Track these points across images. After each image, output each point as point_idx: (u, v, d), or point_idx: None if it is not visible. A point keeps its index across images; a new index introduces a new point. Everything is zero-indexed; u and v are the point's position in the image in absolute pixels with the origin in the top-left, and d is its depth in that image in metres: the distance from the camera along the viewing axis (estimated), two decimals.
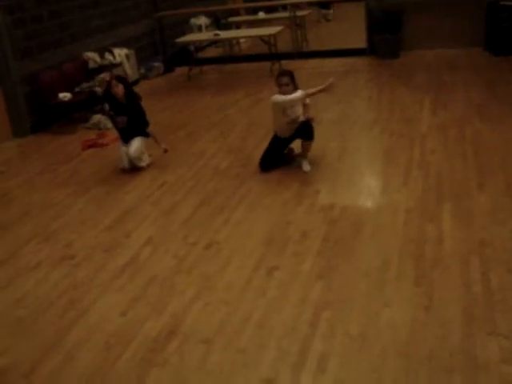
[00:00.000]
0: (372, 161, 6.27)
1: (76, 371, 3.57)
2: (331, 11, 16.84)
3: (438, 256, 4.25)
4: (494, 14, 10.06)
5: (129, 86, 6.69)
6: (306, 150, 6.21)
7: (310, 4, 15.58)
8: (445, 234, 4.53)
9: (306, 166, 6.12)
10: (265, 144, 6.54)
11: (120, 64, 10.55)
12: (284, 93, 6.11)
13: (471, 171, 5.58)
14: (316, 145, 6.38)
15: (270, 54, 11.18)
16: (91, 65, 9.96)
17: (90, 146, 7.87)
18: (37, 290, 4.51)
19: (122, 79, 6.70)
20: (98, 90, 9.31)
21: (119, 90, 6.47)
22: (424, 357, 3.30)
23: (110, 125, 8.50)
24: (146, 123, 6.74)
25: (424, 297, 3.81)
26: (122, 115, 6.45)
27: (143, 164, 6.68)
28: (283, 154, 6.38)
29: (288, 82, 6.15)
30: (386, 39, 10.71)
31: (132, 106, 6.55)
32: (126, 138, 6.62)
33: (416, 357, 3.31)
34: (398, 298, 3.85)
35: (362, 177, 5.86)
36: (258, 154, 6.55)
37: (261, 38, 11.68)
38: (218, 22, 13.98)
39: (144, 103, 8.80)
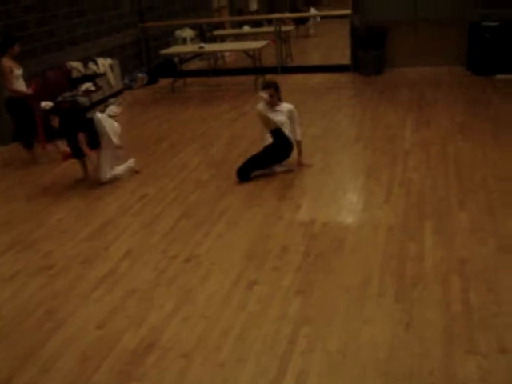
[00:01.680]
0: (354, 177, 6.28)
1: (52, 383, 3.51)
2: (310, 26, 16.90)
3: (419, 274, 4.25)
4: (476, 34, 10.17)
5: (68, 115, 6.71)
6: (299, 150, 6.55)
7: (293, 20, 15.71)
8: (426, 252, 4.53)
9: (280, 168, 6.42)
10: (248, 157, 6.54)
11: (104, 74, 10.52)
12: (269, 104, 6.28)
13: (453, 189, 5.60)
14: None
15: (254, 68, 11.20)
16: (75, 74, 9.93)
17: (70, 156, 7.79)
18: (13, 300, 4.44)
19: (58, 111, 6.74)
20: (81, 99, 9.27)
21: (55, 122, 6.52)
22: (403, 374, 3.28)
23: None
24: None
25: (404, 314, 3.81)
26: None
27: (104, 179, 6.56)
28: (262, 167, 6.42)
29: (272, 93, 6.29)
30: (369, 56, 10.79)
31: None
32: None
33: (395, 374, 3.29)
34: (378, 314, 3.84)
35: (343, 192, 5.87)
36: None
37: (245, 51, 11.72)
38: (203, 35, 14.01)
39: (127, 114, 8.77)
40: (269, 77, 10.99)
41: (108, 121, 6.58)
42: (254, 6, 17.13)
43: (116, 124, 6.67)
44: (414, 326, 3.69)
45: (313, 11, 16.72)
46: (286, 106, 6.50)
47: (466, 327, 3.63)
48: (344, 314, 3.87)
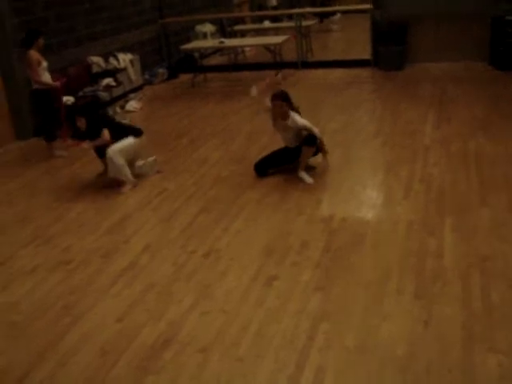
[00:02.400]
0: (374, 172, 6.24)
1: (70, 377, 3.54)
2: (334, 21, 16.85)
3: (439, 270, 4.21)
4: (499, 28, 10.07)
5: (93, 114, 6.51)
6: (304, 156, 6.09)
7: (314, 14, 15.65)
8: (446, 248, 4.50)
9: (308, 179, 6.04)
10: (268, 153, 6.54)
11: (124, 69, 10.56)
12: (275, 115, 6.15)
13: (474, 186, 5.55)
14: (319, 154, 6.37)
15: (274, 62, 11.18)
16: (95, 69, 9.98)
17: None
18: (32, 295, 4.48)
19: (84, 111, 6.49)
20: (102, 94, 9.32)
21: (82, 124, 6.27)
22: (422, 372, 3.26)
23: None
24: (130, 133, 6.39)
25: (423, 311, 3.78)
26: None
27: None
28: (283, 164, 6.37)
29: (279, 105, 6.05)
30: (390, 51, 10.71)
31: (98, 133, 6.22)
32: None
33: (414, 372, 3.27)
34: (397, 311, 3.81)
35: (363, 188, 5.83)
36: None
37: (266, 46, 11.70)
38: (224, 30, 14.00)
39: (147, 109, 8.82)
40: (289, 72, 11.00)
41: (118, 155, 6.20)
42: (273, 2, 17.04)
43: (131, 141, 6.32)
44: (434, 322, 3.66)
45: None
46: (298, 121, 6.09)
47: (486, 325, 3.59)
48: (363, 310, 3.85)
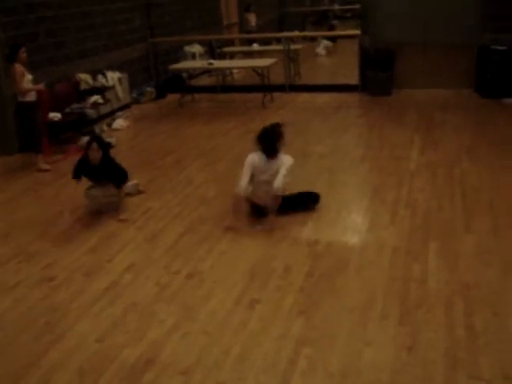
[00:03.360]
0: (360, 197, 6.25)
1: None
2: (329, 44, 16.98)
3: (423, 296, 4.21)
4: (484, 57, 10.18)
5: (107, 150, 6.19)
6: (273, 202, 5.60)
7: (304, 38, 15.77)
8: (430, 274, 4.50)
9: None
10: None
11: (112, 87, 10.55)
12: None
13: (458, 211, 5.57)
14: (305, 177, 6.38)
15: (262, 85, 11.22)
16: (83, 86, 9.96)
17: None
18: (13, 311, 4.42)
19: (103, 145, 6.11)
20: (89, 111, 9.29)
21: (97, 155, 5.94)
22: None
23: None
24: (124, 179, 6.17)
25: (407, 337, 3.77)
26: (96, 177, 6.12)
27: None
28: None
29: (268, 145, 5.57)
30: (377, 76, 10.79)
31: (109, 168, 6.04)
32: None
33: None
34: (380, 336, 3.80)
35: (348, 212, 5.84)
36: None
37: (254, 69, 11.75)
38: (213, 51, 14.06)
39: (134, 127, 8.83)
40: (276, 95, 11.05)
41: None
42: (252, 24, 17.03)
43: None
44: (417, 349, 3.64)
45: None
46: (284, 158, 5.58)
47: (469, 352, 3.59)
48: (346, 335, 3.83)
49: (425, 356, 3.58)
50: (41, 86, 7.76)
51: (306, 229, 5.48)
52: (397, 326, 3.88)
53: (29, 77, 7.53)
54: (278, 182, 5.39)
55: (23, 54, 7.53)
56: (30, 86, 7.61)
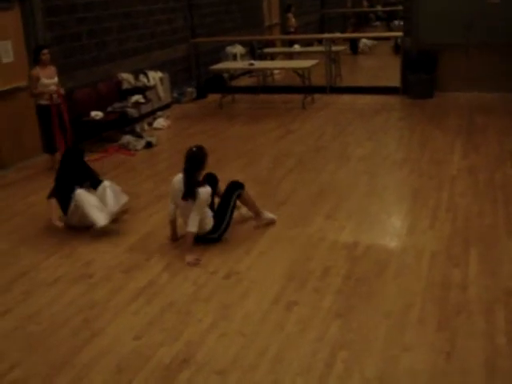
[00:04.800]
0: (400, 200, 6.19)
1: None
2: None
3: (462, 302, 4.14)
4: None
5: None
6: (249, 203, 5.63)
7: (344, 39, 15.71)
8: (470, 280, 4.42)
9: (268, 215, 5.70)
10: (292, 177, 6.52)
11: (153, 87, 10.64)
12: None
13: (500, 217, 5.47)
14: (344, 180, 6.34)
15: (303, 86, 11.20)
16: (125, 85, 10.06)
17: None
18: (52, 307, 4.48)
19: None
20: (130, 110, 9.39)
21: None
22: None
23: (139, 146, 8.59)
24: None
25: (446, 343, 3.71)
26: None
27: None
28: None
29: (190, 167, 5.20)
30: (420, 79, 10.67)
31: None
32: None
33: None
34: (418, 342, 3.75)
35: (388, 216, 5.78)
36: (285, 185, 6.57)
37: (295, 70, 11.73)
38: (254, 52, 14.07)
39: (174, 127, 8.91)
40: (317, 96, 11.00)
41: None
42: (292, 24, 16.97)
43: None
44: (456, 356, 3.59)
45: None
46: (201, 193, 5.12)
47: (509, 360, 3.51)
48: (383, 340, 3.79)
49: (463, 364, 3.52)
50: (53, 89, 7.67)
51: (345, 232, 5.44)
52: (435, 332, 3.83)
53: (45, 81, 7.59)
54: (191, 224, 5.07)
55: (44, 56, 7.59)
56: (50, 89, 7.65)
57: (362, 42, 16.89)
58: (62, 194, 5.81)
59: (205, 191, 5.12)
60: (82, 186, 5.77)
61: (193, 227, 5.08)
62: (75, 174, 5.84)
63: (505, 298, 4.16)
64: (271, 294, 4.41)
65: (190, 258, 5.05)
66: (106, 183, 5.90)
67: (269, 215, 5.72)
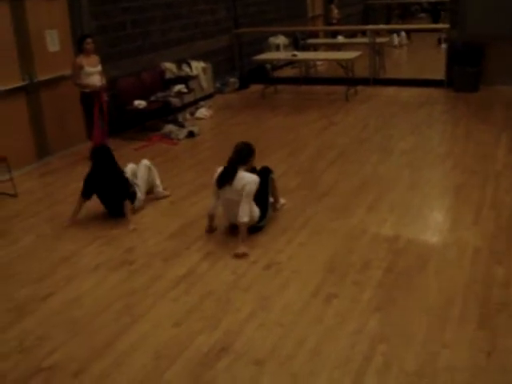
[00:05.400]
0: (442, 195, 6.11)
1: (124, 377, 3.56)
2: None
3: (505, 300, 4.07)
4: None
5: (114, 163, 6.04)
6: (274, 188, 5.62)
7: (389, 31, 15.53)
8: None
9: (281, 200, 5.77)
10: (335, 169, 6.49)
11: (196, 76, 10.68)
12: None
13: None
14: (386, 174, 6.28)
15: (346, 78, 11.12)
16: (168, 75, 10.12)
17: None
18: (94, 292, 4.55)
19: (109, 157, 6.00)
20: (173, 100, 9.44)
21: None
22: None
23: (181, 135, 8.64)
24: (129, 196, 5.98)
25: (486, 342, 3.65)
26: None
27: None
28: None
29: (235, 158, 5.25)
30: (465, 72, 10.50)
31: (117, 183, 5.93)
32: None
33: None
34: (458, 339, 3.70)
35: (430, 210, 5.71)
36: (327, 177, 6.56)
37: (338, 61, 11.65)
38: (297, 43, 14.02)
39: (217, 117, 8.92)
40: (360, 88, 10.91)
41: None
42: (335, 16, 16.82)
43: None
44: (497, 354, 3.53)
45: None
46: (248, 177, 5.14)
47: None
48: (423, 336, 3.75)
49: (504, 362, 3.46)
50: (96, 82, 7.80)
51: (386, 225, 5.39)
52: (476, 330, 3.77)
53: (89, 69, 7.69)
54: (243, 215, 5.04)
55: (88, 45, 7.67)
56: (93, 78, 7.75)
57: (401, 36, 16.66)
58: (91, 194, 5.92)
59: (249, 176, 5.12)
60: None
61: (245, 217, 5.05)
62: (104, 175, 5.88)
63: None
64: (311, 286, 4.40)
65: (242, 249, 5.01)
66: (146, 162, 6.23)
67: (282, 200, 5.79)
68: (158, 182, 6.33)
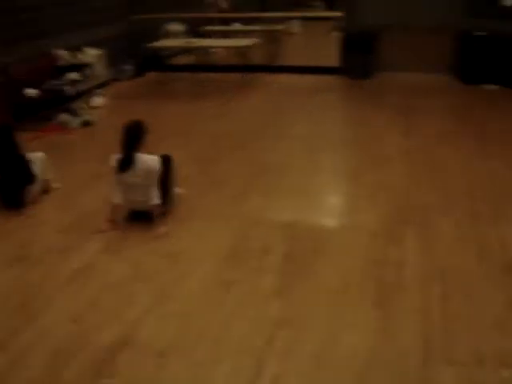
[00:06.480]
0: (338, 180, 6.24)
1: (22, 376, 3.44)
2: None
3: (399, 280, 4.22)
4: (467, 43, 10.18)
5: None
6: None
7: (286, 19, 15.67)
8: (407, 259, 4.51)
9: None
10: (232, 156, 6.49)
11: (91, 64, 10.41)
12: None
13: (437, 196, 5.58)
14: (282, 160, 6.35)
15: (242, 65, 11.14)
16: (61, 62, 9.81)
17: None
18: None
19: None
20: (67, 88, 9.17)
21: None
22: (380, 383, 3.25)
23: (76, 124, 8.43)
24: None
25: (383, 321, 3.77)
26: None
27: None
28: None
29: (127, 139, 5.12)
30: (359, 59, 10.76)
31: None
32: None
33: (372, 383, 3.26)
34: (356, 320, 3.80)
35: (327, 195, 5.83)
36: (225, 164, 6.55)
37: (235, 48, 11.67)
38: (193, 30, 13.91)
39: (112, 105, 8.71)
40: (257, 75, 10.98)
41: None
42: (223, 5, 16.82)
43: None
44: (393, 333, 3.65)
45: None
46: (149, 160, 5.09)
47: (444, 336, 3.60)
48: (322, 319, 3.83)
49: (400, 340, 3.59)
50: None
51: (284, 211, 5.45)
52: (373, 310, 3.89)
53: None
54: (153, 197, 5.04)
55: None
56: None
57: (296, 23, 16.91)
58: None
59: (151, 158, 5.07)
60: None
61: (156, 199, 5.04)
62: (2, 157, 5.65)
63: (440, 275, 4.25)
64: (211, 274, 4.40)
65: (163, 229, 5.08)
66: (39, 153, 5.98)
67: (179, 189, 5.70)
68: (49, 174, 6.12)
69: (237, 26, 14.93)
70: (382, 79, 10.68)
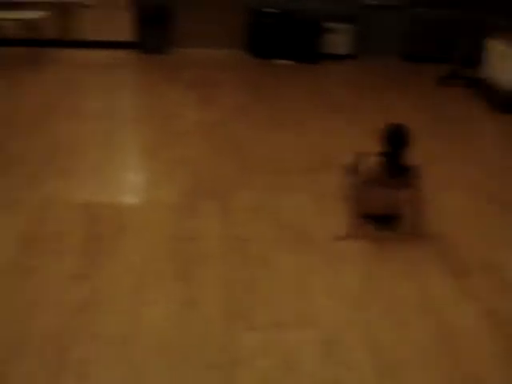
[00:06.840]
0: (136, 157, 6.18)
1: None
2: None
3: (200, 252, 4.29)
4: (258, 19, 10.47)
5: None
6: None
7: None
8: (207, 231, 4.58)
9: None
10: (21, 136, 6.16)
11: None
12: None
13: (234, 169, 5.73)
14: (79, 138, 6.17)
15: (30, 39, 10.58)
16: None
17: None
18: None
19: None
20: None
21: None
22: (186, 355, 3.29)
23: None
24: None
25: (186, 294, 3.82)
26: None
27: None
28: None
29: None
30: (155, 34, 10.65)
31: None
32: None
33: (178, 355, 3.29)
34: (159, 295, 3.81)
35: (126, 173, 5.75)
36: (15, 144, 6.20)
37: (21, 21, 11.03)
38: None
39: None
40: (48, 51, 10.50)
41: None
42: None
43: None
44: (197, 305, 3.71)
45: None
46: None
47: (246, 304, 3.73)
48: (125, 297, 3.79)
49: (205, 311, 3.65)
50: None
51: (82, 191, 5.27)
52: (175, 284, 3.92)
53: None
54: None
55: None
56: None
57: None
58: None
59: None
60: None
61: None
62: None
63: (240, 245, 4.40)
64: (3, 262, 4.15)
65: None
66: None
67: None
68: None
69: None
70: (179, 55, 10.66)
